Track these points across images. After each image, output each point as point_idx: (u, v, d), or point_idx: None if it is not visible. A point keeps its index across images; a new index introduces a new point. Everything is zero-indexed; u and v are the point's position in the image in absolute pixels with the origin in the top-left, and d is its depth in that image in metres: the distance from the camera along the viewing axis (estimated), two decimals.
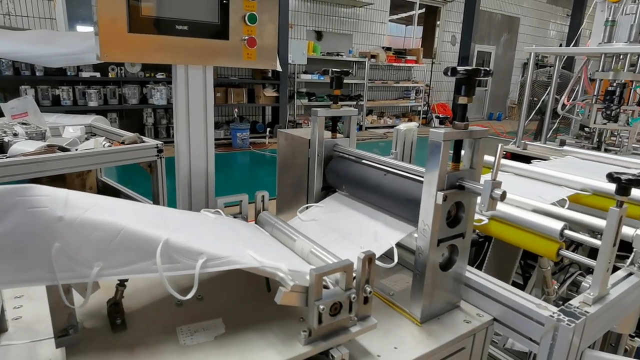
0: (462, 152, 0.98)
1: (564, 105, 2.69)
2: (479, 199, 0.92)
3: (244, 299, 0.98)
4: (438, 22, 13.41)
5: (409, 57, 12.05)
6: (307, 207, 1.28)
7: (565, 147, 2.43)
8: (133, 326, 0.86)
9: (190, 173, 1.29)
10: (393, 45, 12.52)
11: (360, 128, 11.13)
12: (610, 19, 2.34)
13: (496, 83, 14.65)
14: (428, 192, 0.94)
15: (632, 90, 2.42)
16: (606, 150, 2.57)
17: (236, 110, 9.13)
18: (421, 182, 0.98)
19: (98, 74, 7.44)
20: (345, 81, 10.96)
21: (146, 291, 0.97)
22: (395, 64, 11.87)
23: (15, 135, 2.65)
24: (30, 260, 0.69)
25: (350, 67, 11.35)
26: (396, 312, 1.06)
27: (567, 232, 1.10)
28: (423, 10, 13.09)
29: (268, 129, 9.03)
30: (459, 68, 0.87)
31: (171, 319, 0.88)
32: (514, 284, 1.89)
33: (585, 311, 0.98)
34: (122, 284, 0.85)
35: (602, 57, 2.42)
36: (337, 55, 10.59)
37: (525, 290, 1.79)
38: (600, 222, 1.16)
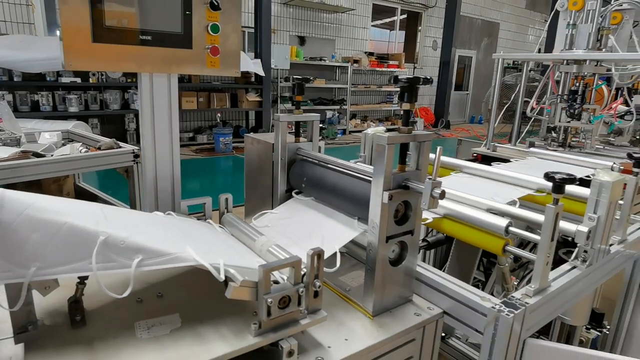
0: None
1: (532, 108, 2.79)
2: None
3: (203, 295, 1.02)
4: (420, 28, 13.63)
5: (391, 62, 12.22)
6: (262, 214, 1.34)
7: (531, 149, 2.53)
8: (92, 322, 0.90)
9: (157, 177, 1.33)
10: (377, 49, 12.69)
11: (344, 132, 11.23)
12: (571, 22, 2.46)
13: (477, 87, 14.93)
14: (375, 192, 1.00)
15: (593, 90, 2.54)
16: (571, 148, 2.68)
17: (219, 114, 9.14)
18: (371, 182, 1.04)
19: (78, 80, 7.39)
20: (328, 86, 11.09)
21: (110, 289, 1.01)
22: (377, 69, 12.02)
23: None
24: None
25: (333, 71, 11.48)
26: (351, 306, 1.12)
27: (512, 229, 1.17)
28: (405, 15, 13.29)
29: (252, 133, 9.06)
30: (401, 77, 0.93)
31: (130, 315, 0.92)
32: (478, 281, 1.97)
33: (526, 302, 1.05)
34: (82, 282, 0.89)
35: (564, 62, 2.54)
36: (320, 60, 10.70)
37: (487, 287, 1.87)
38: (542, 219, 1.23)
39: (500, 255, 1.21)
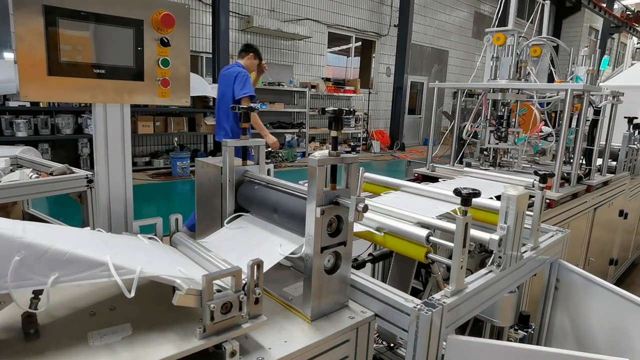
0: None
1: (468, 131, 3.05)
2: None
3: (153, 307, 1.11)
4: (374, 55, 14.22)
5: (347, 87, 12.65)
6: (208, 237, 1.44)
7: (466, 168, 2.77)
8: (46, 335, 0.96)
9: (110, 201, 1.41)
10: (334, 74, 13.12)
11: (303, 154, 11.42)
12: (495, 55, 2.77)
13: (429, 111, 15.65)
14: (310, 208, 1.13)
15: (517, 115, 2.84)
16: (501, 167, 2.96)
17: (176, 139, 9.10)
18: None
19: (27, 104, 7.18)
20: (287, 110, 11.32)
21: (64, 304, 1.08)
22: (335, 94, 12.40)
23: None
24: None
25: (292, 96, 11.73)
26: (292, 313, 1.23)
27: (432, 238, 1.34)
28: (359, 43, 13.85)
29: (210, 157, 9.06)
30: (328, 109, 1.09)
31: (83, 327, 0.99)
32: (416, 290, 2.13)
33: (443, 302, 1.20)
34: (36, 297, 0.96)
35: (491, 90, 2.83)
36: (279, 85, 10.93)
37: (424, 294, 2.03)
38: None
39: (423, 262, 1.36)
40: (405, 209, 1.63)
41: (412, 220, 1.56)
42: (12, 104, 7.08)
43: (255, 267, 1.01)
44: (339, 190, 1.17)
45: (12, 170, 2.96)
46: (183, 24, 1.42)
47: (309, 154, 11.53)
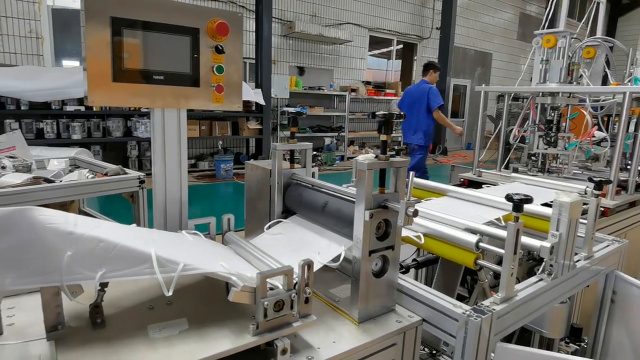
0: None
1: (515, 136, 2.97)
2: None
3: (206, 303, 1.16)
4: (415, 57, 14.06)
5: (388, 90, 12.56)
6: (264, 231, 1.48)
7: (513, 174, 2.69)
8: (110, 325, 1.03)
9: (166, 201, 1.48)
10: (374, 78, 13.07)
11: (342, 158, 11.43)
12: (544, 58, 2.67)
13: (473, 115, 15.27)
14: (358, 211, 1.14)
15: (567, 119, 2.73)
16: (550, 173, 2.85)
17: (220, 142, 9.36)
18: None
19: (82, 108, 7.62)
20: (326, 113, 11.38)
21: (126, 298, 1.15)
22: (375, 97, 12.35)
23: (3, 168, 2.81)
24: (42, 266, 0.87)
25: (332, 100, 11.79)
26: (339, 314, 1.25)
27: (481, 244, 1.32)
28: (401, 46, 13.74)
29: (252, 160, 9.25)
30: (378, 113, 1.10)
31: (143, 320, 1.05)
32: (460, 297, 2.09)
33: (493, 309, 1.18)
34: (102, 289, 1.03)
35: (540, 94, 2.74)
36: (319, 89, 11.01)
37: (470, 301, 1.99)
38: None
39: (472, 268, 1.34)
40: (450, 214, 1.61)
41: (460, 226, 1.55)
42: (69, 108, 7.53)
43: (306, 267, 1.04)
44: (388, 194, 1.17)
45: (70, 171, 3.16)
46: (236, 32, 1.47)
47: (348, 158, 11.54)
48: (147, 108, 1.41)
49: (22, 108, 7.13)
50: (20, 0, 7.32)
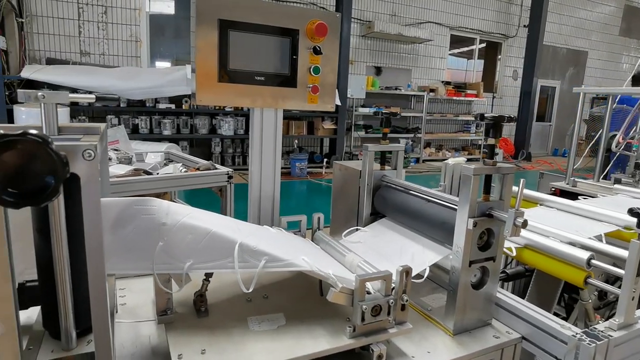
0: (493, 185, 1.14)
1: (618, 143, 2.69)
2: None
3: (301, 299, 1.17)
4: (499, 57, 13.32)
5: (469, 91, 12.04)
6: (353, 230, 1.47)
7: (616, 185, 2.44)
8: (213, 314, 1.08)
9: (260, 196, 1.53)
10: (454, 77, 12.60)
11: (417, 161, 11.16)
12: None
13: (561, 118, 14.14)
14: (461, 218, 1.09)
15: None
16: None
17: (296, 141, 9.56)
18: (456, 210, 1.14)
19: (173, 106, 8.19)
20: (403, 114, 11.16)
21: (225, 288, 1.20)
22: (454, 98, 11.90)
23: (109, 159, 3.10)
24: (141, 255, 0.93)
25: (408, 100, 11.55)
26: (432, 324, 1.20)
27: (594, 262, 1.20)
28: (484, 45, 13.10)
29: (325, 160, 9.36)
30: (487, 115, 1.04)
31: (243, 311, 1.09)
32: (557, 316, 1.93)
33: (609, 335, 1.07)
34: (207, 279, 1.08)
35: None
36: (396, 89, 10.84)
37: (569, 322, 1.83)
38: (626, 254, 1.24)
39: (581, 287, 1.23)
40: (551, 226, 1.49)
41: (563, 239, 1.42)
42: (161, 106, 8.13)
43: (404, 273, 1.01)
44: (493, 202, 1.11)
45: (165, 164, 3.39)
46: (334, 33, 1.48)
47: (423, 160, 11.24)
48: (248, 108, 1.47)
49: (121, 105, 7.82)
50: (126, 8, 8.04)
